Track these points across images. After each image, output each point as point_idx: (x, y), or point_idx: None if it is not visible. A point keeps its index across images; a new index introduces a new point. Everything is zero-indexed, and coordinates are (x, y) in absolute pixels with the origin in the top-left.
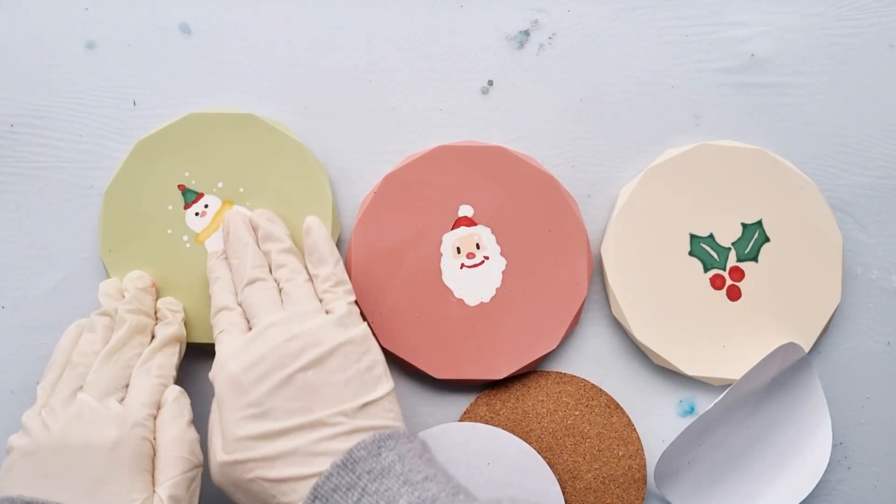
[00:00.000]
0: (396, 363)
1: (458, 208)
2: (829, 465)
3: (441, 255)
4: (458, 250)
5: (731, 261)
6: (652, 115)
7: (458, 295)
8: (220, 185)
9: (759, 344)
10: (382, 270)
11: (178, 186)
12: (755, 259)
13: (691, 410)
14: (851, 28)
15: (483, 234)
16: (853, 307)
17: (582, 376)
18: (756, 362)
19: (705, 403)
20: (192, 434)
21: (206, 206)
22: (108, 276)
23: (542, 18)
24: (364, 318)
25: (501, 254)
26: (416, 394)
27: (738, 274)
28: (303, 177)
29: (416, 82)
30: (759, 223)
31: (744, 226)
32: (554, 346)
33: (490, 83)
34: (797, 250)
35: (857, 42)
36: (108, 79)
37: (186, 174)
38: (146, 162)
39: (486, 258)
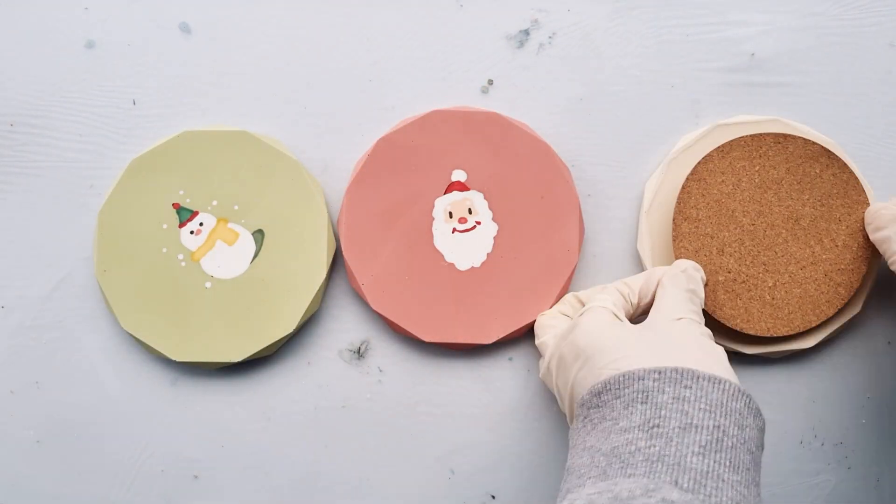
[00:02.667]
0: (386, 325)
1: (451, 173)
2: (829, 465)
3: (433, 219)
4: (451, 215)
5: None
6: (652, 114)
7: (449, 259)
8: (214, 203)
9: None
10: (374, 233)
11: (173, 205)
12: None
13: None
14: (851, 28)
15: (476, 199)
16: None
17: None
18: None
19: None
20: None
21: (200, 224)
22: (104, 296)
23: (542, 18)
24: (354, 281)
25: (493, 219)
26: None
27: None
28: (297, 193)
29: (416, 82)
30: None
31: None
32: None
33: (490, 82)
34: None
35: (857, 42)
36: (108, 79)
37: (181, 192)
38: (140, 181)
39: (478, 223)
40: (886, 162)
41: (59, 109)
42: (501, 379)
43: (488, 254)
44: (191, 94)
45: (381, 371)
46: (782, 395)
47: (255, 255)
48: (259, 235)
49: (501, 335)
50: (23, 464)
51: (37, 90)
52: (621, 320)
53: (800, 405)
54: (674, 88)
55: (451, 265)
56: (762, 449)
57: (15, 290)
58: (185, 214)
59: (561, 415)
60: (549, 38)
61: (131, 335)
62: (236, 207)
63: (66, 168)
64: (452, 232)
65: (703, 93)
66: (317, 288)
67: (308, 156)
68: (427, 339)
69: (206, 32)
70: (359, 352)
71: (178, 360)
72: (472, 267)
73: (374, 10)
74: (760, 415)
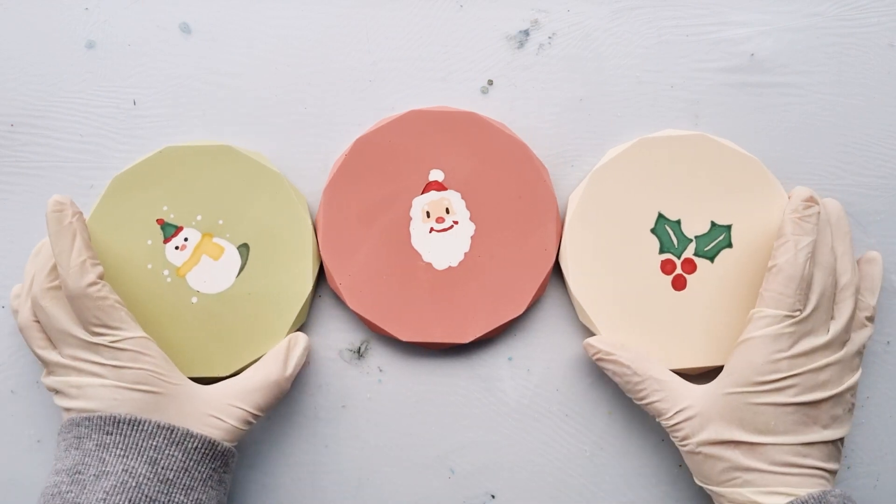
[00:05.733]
0: (364, 325)
1: (429, 172)
2: None
3: (411, 218)
4: (428, 214)
5: (689, 252)
6: (652, 114)
7: (426, 259)
8: (198, 217)
9: (683, 336)
10: (351, 232)
11: (157, 220)
12: (711, 259)
13: None
14: (851, 28)
15: (453, 198)
16: None
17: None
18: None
19: None
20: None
21: (185, 239)
22: None
23: (542, 18)
24: (332, 280)
25: (471, 219)
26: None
27: (689, 266)
28: (281, 207)
29: (416, 82)
30: (728, 228)
31: (713, 224)
32: (520, 312)
33: (490, 83)
34: (753, 270)
35: (857, 42)
36: (108, 79)
37: (165, 208)
38: (124, 197)
39: (456, 223)
40: (886, 161)
41: (59, 109)
42: (501, 379)
43: (466, 253)
44: (191, 94)
45: (381, 371)
46: None
47: (241, 270)
48: (244, 249)
49: (479, 334)
50: (23, 464)
51: (37, 90)
52: None
53: None
54: (674, 88)
55: (429, 264)
56: (209, 463)
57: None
58: (169, 230)
59: (561, 414)
60: (549, 38)
61: None
62: (221, 222)
63: (66, 168)
64: (430, 231)
65: (703, 93)
66: (303, 301)
67: (308, 156)
68: (404, 338)
69: (206, 33)
70: (359, 352)
71: None
72: (450, 266)
73: (374, 10)
74: (187, 440)
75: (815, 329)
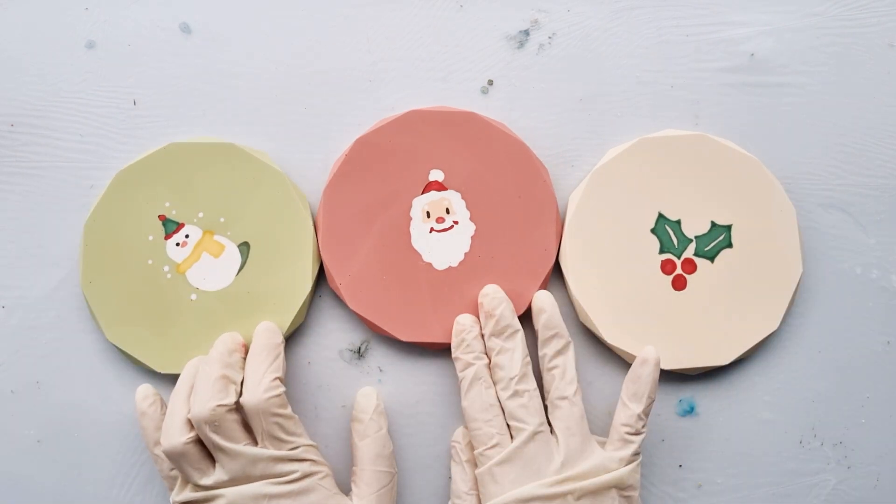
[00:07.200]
0: (364, 325)
1: (429, 173)
2: (829, 464)
3: (411, 218)
4: (428, 214)
5: (689, 252)
6: (652, 114)
7: (426, 259)
8: (200, 215)
9: (683, 336)
10: (352, 232)
11: (159, 217)
12: (711, 259)
13: (691, 410)
14: (851, 28)
15: (453, 198)
16: (853, 307)
17: None
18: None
19: (705, 402)
20: (390, 447)
21: (186, 236)
22: (90, 307)
23: (542, 18)
24: (332, 280)
25: (471, 219)
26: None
27: (690, 266)
28: (283, 206)
29: (416, 82)
30: (729, 228)
31: (713, 224)
32: (521, 312)
33: (490, 83)
34: (754, 268)
35: (857, 42)
36: (108, 79)
37: (167, 204)
38: (126, 192)
39: (456, 223)
40: (886, 161)
41: (59, 109)
42: None
43: (466, 253)
44: (191, 93)
45: (381, 371)
46: (782, 395)
47: (241, 268)
48: (245, 248)
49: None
50: (23, 464)
51: (37, 90)
52: None
53: (800, 405)
54: (674, 88)
55: (429, 265)
56: None
57: (15, 290)
58: (170, 226)
59: None
60: (549, 38)
61: (116, 347)
62: (222, 220)
63: (66, 168)
64: (430, 231)
65: (703, 93)
66: (302, 301)
67: (308, 156)
68: (404, 338)
69: (206, 33)
70: (359, 352)
71: (162, 372)
72: (450, 266)
73: (374, 10)
74: None
75: (536, 454)
